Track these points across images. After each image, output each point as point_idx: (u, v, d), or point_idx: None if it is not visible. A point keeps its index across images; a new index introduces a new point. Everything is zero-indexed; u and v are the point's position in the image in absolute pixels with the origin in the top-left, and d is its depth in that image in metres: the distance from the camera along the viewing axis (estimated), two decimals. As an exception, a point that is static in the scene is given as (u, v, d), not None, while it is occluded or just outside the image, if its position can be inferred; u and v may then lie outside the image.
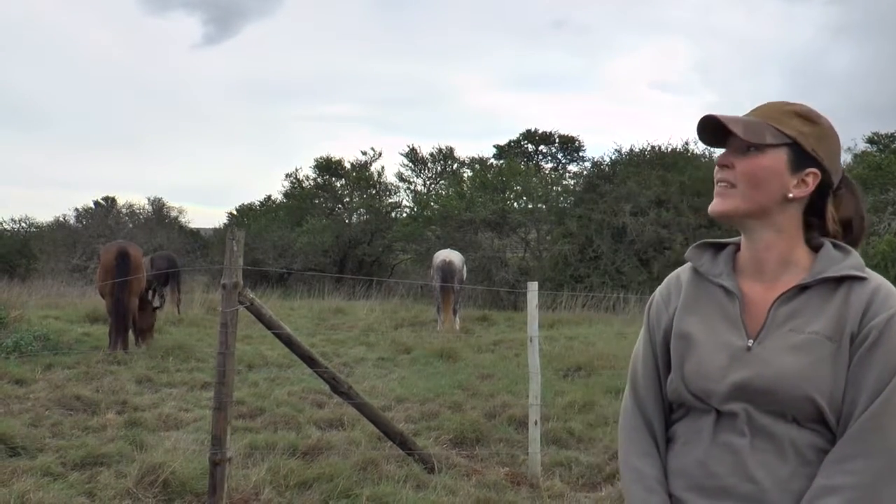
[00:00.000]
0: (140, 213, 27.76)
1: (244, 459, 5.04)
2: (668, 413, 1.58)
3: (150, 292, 9.91)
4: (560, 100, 66.67)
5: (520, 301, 16.20)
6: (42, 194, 55.78)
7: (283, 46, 74.05)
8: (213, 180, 59.59)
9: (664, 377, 1.57)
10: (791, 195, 1.46)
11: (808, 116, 1.49)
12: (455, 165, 28.69)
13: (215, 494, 4.06)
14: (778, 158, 1.46)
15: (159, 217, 27.95)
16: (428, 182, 28.66)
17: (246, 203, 29.68)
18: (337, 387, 4.88)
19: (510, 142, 34.62)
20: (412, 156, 28.78)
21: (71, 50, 67.69)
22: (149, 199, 28.30)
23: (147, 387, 7.49)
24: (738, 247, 1.57)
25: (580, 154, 34.04)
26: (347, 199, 27.95)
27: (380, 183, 27.72)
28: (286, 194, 28.72)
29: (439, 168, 28.92)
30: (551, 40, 78.17)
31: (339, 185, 28.25)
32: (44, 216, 45.94)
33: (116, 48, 67.13)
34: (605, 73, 71.80)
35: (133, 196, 50.21)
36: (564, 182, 23.83)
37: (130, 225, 26.61)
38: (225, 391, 4.10)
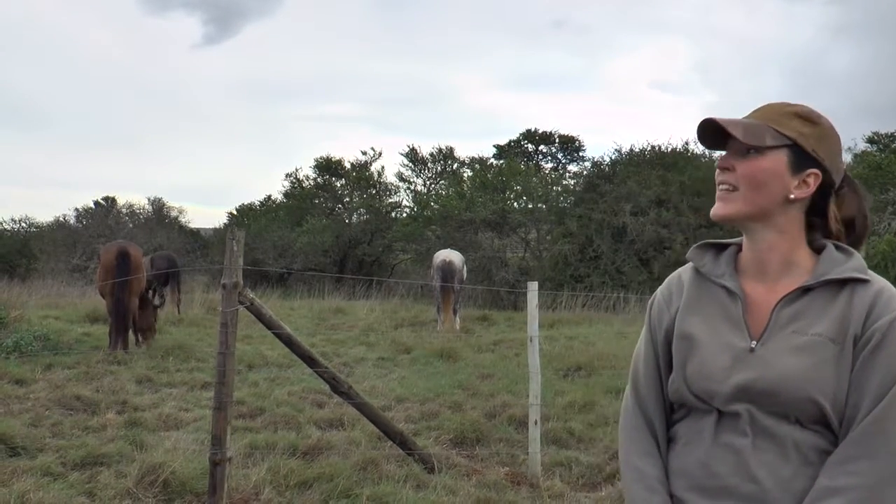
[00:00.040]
0: (140, 213, 27.79)
1: (244, 459, 5.03)
2: (669, 413, 1.58)
3: (151, 292, 9.92)
4: (560, 100, 66.76)
5: (520, 301, 16.20)
6: (42, 194, 55.84)
7: (283, 46, 74.15)
8: (213, 180, 59.66)
9: (665, 377, 1.57)
10: (792, 196, 1.46)
11: (807, 117, 1.49)
12: (455, 165, 28.71)
13: (215, 494, 4.06)
14: (778, 160, 1.46)
15: (159, 217, 27.95)
16: (428, 182, 28.68)
17: (246, 203, 29.74)
18: (337, 387, 4.88)
19: (510, 142, 34.64)
20: (412, 156, 28.80)
21: (71, 50, 67.79)
22: (149, 199, 28.37)
23: (147, 387, 7.49)
24: (739, 247, 1.57)
25: (580, 154, 34.06)
26: (347, 199, 27.96)
27: (380, 183, 27.73)
28: (286, 194, 28.74)
29: (439, 168, 28.93)
30: (551, 40, 78.28)
31: (339, 185, 28.25)
32: (44, 216, 45.98)
33: (116, 48, 67.23)
34: (605, 73, 71.89)
35: (133, 196, 50.27)
36: (564, 182, 23.84)
37: (130, 225, 26.61)
38: (225, 391, 4.10)
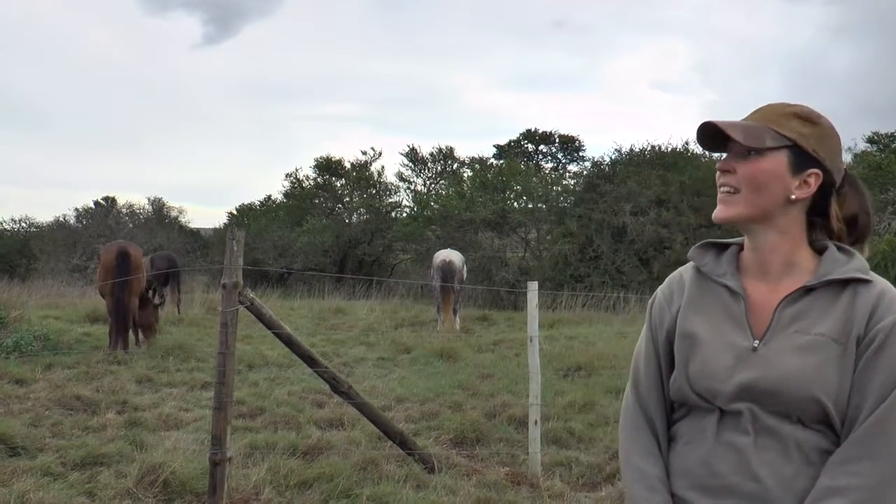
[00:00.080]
0: (140, 213, 27.79)
1: (244, 459, 5.03)
2: (670, 412, 1.58)
3: (151, 292, 9.92)
4: (560, 100, 66.78)
5: (520, 301, 16.20)
6: (42, 194, 55.84)
7: (283, 46, 74.13)
8: (213, 180, 59.66)
9: (666, 376, 1.57)
10: (793, 197, 1.47)
11: (807, 117, 1.49)
12: (455, 165, 28.72)
13: (215, 494, 4.06)
14: (778, 161, 1.46)
15: (159, 217, 27.95)
16: (428, 182, 28.68)
17: (246, 203, 29.75)
18: (337, 386, 4.88)
19: (510, 142, 34.66)
20: (412, 156, 28.80)
21: (71, 50, 67.80)
22: (149, 199, 28.37)
23: (147, 387, 7.49)
24: (741, 247, 1.57)
25: (580, 154, 34.09)
26: (347, 199, 27.96)
27: (380, 183, 27.74)
28: (286, 194, 28.74)
29: (439, 168, 28.94)
30: (551, 40, 78.28)
31: (339, 185, 28.25)
32: (44, 216, 45.97)
33: (116, 48, 67.23)
34: (605, 73, 71.89)
35: (133, 196, 50.26)
36: (564, 182, 23.83)
37: (130, 225, 26.61)
38: (225, 391, 4.10)
